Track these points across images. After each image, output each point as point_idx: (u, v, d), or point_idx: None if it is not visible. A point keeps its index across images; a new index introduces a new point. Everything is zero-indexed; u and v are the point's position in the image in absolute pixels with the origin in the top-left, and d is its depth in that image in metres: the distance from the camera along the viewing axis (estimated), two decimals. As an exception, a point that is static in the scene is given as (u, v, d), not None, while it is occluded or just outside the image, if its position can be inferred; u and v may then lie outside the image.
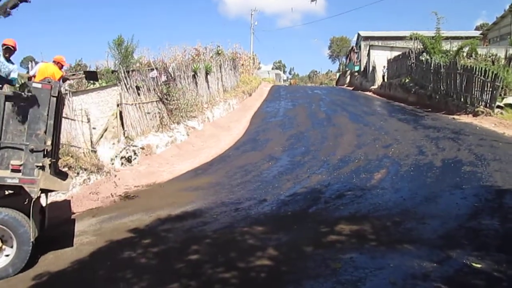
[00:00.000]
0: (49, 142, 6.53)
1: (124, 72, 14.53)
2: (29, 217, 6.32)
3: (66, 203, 10.31)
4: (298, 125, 18.61)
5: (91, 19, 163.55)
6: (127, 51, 20.10)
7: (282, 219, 7.57)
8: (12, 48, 7.80)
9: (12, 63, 7.90)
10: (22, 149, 6.38)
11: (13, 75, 7.74)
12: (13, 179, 6.30)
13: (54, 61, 9.06)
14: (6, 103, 6.36)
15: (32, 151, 6.38)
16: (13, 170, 6.32)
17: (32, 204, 6.30)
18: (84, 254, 6.92)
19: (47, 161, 6.54)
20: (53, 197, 10.27)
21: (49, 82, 6.72)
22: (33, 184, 6.35)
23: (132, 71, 16.79)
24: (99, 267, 6.18)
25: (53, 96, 6.61)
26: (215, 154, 14.73)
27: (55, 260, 6.81)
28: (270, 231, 6.90)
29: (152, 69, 17.71)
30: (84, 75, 16.71)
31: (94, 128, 13.92)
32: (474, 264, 4.92)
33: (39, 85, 6.57)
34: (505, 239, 5.77)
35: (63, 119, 11.41)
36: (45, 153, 6.51)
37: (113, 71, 18.80)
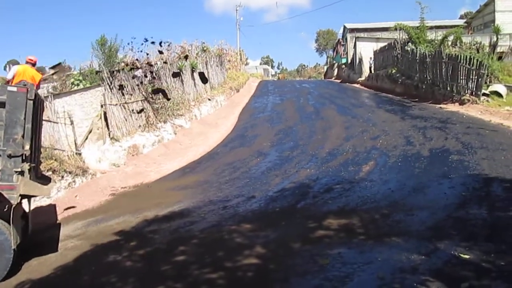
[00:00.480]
0: (27, 147, 6.35)
1: (107, 72, 14.30)
2: (9, 224, 6.15)
3: (51, 208, 10.10)
4: (287, 119, 18.52)
5: (74, 19, 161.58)
6: (110, 51, 19.79)
7: (270, 215, 7.48)
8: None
9: None
10: (-1, 155, 6.19)
11: None
12: (-9, 186, 6.12)
13: (27, 62, 8.87)
14: (-19, 108, 6.17)
15: (10, 156, 6.18)
16: (-10, 177, 6.14)
17: (12, 211, 6.12)
18: (68, 259, 6.76)
19: (26, 166, 6.34)
20: (38, 202, 10.06)
21: (25, 85, 6.52)
22: (12, 190, 6.16)
23: (117, 71, 16.56)
24: (84, 272, 6.03)
25: (30, 99, 6.41)
26: (203, 152, 14.58)
27: (38, 267, 6.64)
28: (258, 228, 6.80)
29: (137, 69, 17.48)
30: (53, 72, 16.32)
31: (80, 128, 13.73)
32: (462, 255, 4.86)
33: (15, 89, 6.36)
34: (493, 228, 5.73)
35: (45, 122, 11.25)
36: (24, 158, 6.32)
37: (97, 72, 18.49)
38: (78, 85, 19.44)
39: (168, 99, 16.53)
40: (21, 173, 6.27)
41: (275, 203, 8.21)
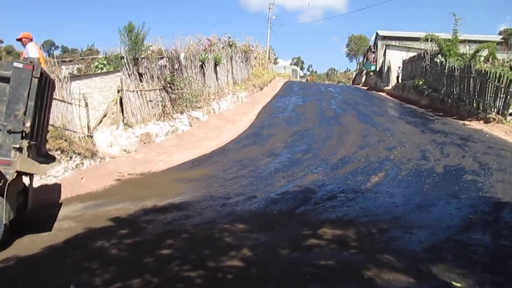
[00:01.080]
0: (28, 124, 6.31)
1: (127, 58, 14.33)
2: (3, 198, 6.15)
3: (57, 187, 10.16)
4: (305, 121, 18.24)
5: (106, 4, 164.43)
6: (137, 37, 19.81)
7: (267, 218, 7.27)
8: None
9: None
10: (-1, 130, 6.18)
11: None
12: (-12, 160, 6.13)
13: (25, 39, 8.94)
14: (-15, 82, 6.18)
15: (9, 132, 6.17)
16: (-12, 151, 6.15)
17: (7, 186, 6.11)
18: (59, 240, 6.73)
19: (25, 143, 6.32)
20: (44, 180, 10.14)
21: (31, 62, 6.48)
22: (8, 166, 6.15)
23: (142, 58, 16.64)
24: (69, 255, 5.97)
25: (35, 77, 6.38)
26: (216, 146, 14.47)
27: (29, 245, 6.62)
28: (251, 230, 6.61)
29: (162, 57, 17.53)
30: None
31: (97, 111, 13.83)
32: (454, 283, 4.52)
33: (21, 65, 6.34)
34: (494, 257, 5.34)
35: (59, 102, 11.35)
36: (24, 135, 6.30)
37: (121, 57, 18.66)
38: (102, 68, 19.65)
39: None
40: (20, 149, 6.24)
41: (274, 205, 7.99)
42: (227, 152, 13.58)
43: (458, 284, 4.49)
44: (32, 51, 9.12)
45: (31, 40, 9.07)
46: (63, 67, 20.02)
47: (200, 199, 8.72)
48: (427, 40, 24.93)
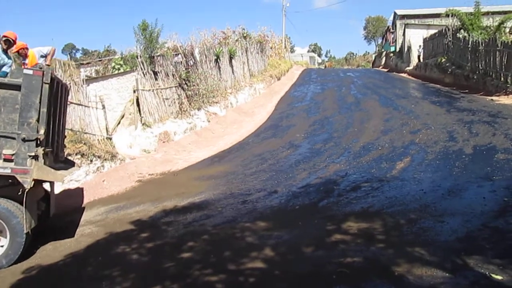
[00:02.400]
0: (42, 131, 6.26)
1: (140, 56, 14.26)
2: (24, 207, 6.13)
3: (79, 191, 10.21)
4: (324, 110, 17.84)
5: (121, 3, 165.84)
6: (151, 35, 19.75)
7: (289, 213, 7.05)
8: (12, 41, 7.58)
9: (9, 57, 7.68)
10: (14, 138, 6.14)
11: (5, 69, 7.49)
12: (5, 169, 6.11)
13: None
14: (-3, 90, 6.13)
15: (24, 140, 6.14)
16: (5, 160, 6.12)
17: (25, 195, 6.08)
18: (81, 246, 6.72)
19: (40, 151, 6.28)
20: (66, 185, 10.21)
21: (41, 68, 6.40)
22: (25, 174, 6.12)
23: (157, 56, 16.57)
24: (90, 262, 5.92)
25: (46, 83, 6.31)
26: (235, 141, 14.30)
27: (51, 252, 6.63)
28: (273, 227, 6.40)
29: (177, 54, 17.42)
30: None
31: (115, 112, 13.83)
32: (493, 276, 4.20)
33: (30, 72, 6.27)
34: (536, 244, 4.98)
35: (76, 106, 11.36)
36: (38, 142, 6.26)
37: (137, 57, 18.67)
38: (118, 69, 19.74)
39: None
40: (35, 157, 6.21)
41: (296, 199, 7.75)
42: (246, 147, 13.39)
43: (498, 277, 4.16)
44: (42, 49, 8.73)
45: (26, 48, 8.04)
46: (82, 69, 20.19)
47: (221, 197, 8.57)
48: (448, 16, 23.98)
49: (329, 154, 10.98)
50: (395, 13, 43.38)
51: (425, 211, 6.38)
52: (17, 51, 7.95)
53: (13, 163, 6.12)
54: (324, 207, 7.18)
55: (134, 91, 13.76)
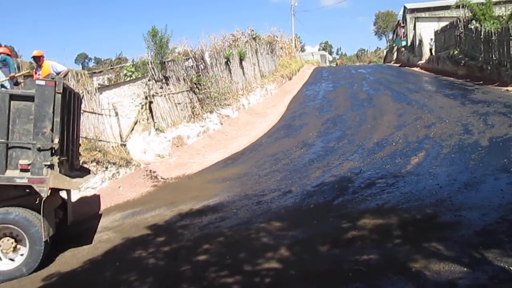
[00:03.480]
0: (56, 140, 6.36)
1: (151, 62, 14.38)
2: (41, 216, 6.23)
3: (96, 198, 10.35)
4: (337, 107, 17.72)
5: (131, 11, 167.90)
6: (161, 41, 19.89)
7: (304, 213, 7.01)
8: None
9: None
10: (29, 148, 6.26)
11: None
12: (22, 179, 6.24)
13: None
14: (12, 102, 6.25)
15: (39, 149, 6.25)
16: (22, 170, 6.25)
17: (42, 203, 6.17)
18: (99, 252, 6.80)
19: (55, 160, 6.38)
20: (83, 192, 10.36)
21: (53, 78, 6.52)
22: (42, 183, 6.24)
23: (168, 61, 16.69)
24: (108, 268, 5.99)
25: (58, 93, 6.41)
26: (248, 142, 14.30)
27: (70, 259, 6.73)
28: (288, 227, 6.39)
29: (188, 59, 17.51)
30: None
31: (128, 119, 13.96)
32: (513, 269, 4.13)
33: (43, 82, 6.39)
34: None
35: (90, 114, 11.51)
36: (53, 151, 6.35)
37: (148, 63, 18.82)
38: (130, 76, 19.87)
39: None
40: (51, 166, 6.31)
41: (311, 199, 7.72)
42: (259, 148, 13.38)
43: None
44: (57, 66, 9.04)
45: (42, 57, 8.86)
46: (94, 78, 20.43)
47: (235, 198, 8.59)
48: (459, 7, 23.63)
49: (342, 152, 10.91)
50: (405, 7, 42.95)
51: (441, 206, 6.29)
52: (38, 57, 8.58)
53: (29, 173, 6.24)
54: (339, 205, 7.13)
55: (146, 97, 13.88)
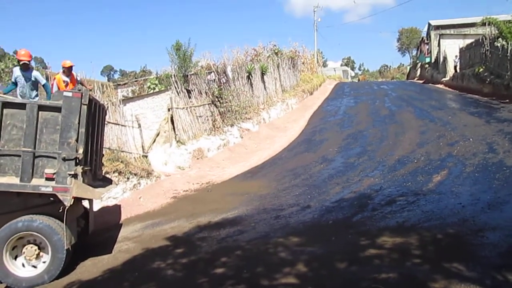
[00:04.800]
0: (81, 150, 6.51)
1: (175, 76, 14.64)
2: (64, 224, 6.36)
3: (117, 208, 10.49)
4: (358, 123, 17.64)
5: (157, 26, 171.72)
6: (185, 55, 20.25)
7: (322, 229, 6.98)
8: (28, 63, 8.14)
9: (28, 78, 8.20)
10: (55, 158, 6.42)
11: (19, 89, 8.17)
12: (47, 188, 6.37)
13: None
14: (40, 112, 6.45)
15: (64, 159, 6.40)
16: (47, 179, 6.39)
17: (65, 212, 6.30)
18: (118, 262, 6.87)
19: (79, 169, 6.52)
20: (105, 202, 10.53)
21: (79, 90, 6.70)
22: (66, 192, 6.37)
23: (191, 74, 16.98)
24: (127, 278, 6.05)
25: (84, 104, 6.58)
26: (268, 156, 14.34)
27: (91, 268, 6.82)
28: (306, 242, 6.36)
29: (210, 72, 17.77)
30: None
31: (151, 131, 14.19)
32: (537, 293, 4.01)
33: (70, 94, 6.57)
34: None
35: (113, 125, 11.75)
36: (77, 161, 6.50)
37: (171, 76, 19.17)
38: (154, 88, 20.31)
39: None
40: (75, 176, 6.45)
41: (329, 214, 7.68)
42: (279, 162, 13.40)
43: None
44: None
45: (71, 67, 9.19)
46: (119, 90, 20.93)
47: (254, 212, 8.60)
48: (485, 25, 23.36)
49: (363, 168, 10.83)
50: (429, 24, 42.69)
51: (463, 226, 6.17)
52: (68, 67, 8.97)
53: (54, 182, 6.38)
54: (358, 221, 7.07)
55: (169, 110, 14.11)
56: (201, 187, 11.71)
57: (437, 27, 39.43)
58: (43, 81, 8.47)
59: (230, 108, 16.35)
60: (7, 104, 6.35)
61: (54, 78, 9.34)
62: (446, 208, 7.04)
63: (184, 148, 13.76)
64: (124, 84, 23.30)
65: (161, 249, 7.20)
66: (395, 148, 12.46)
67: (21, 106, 6.39)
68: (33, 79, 8.19)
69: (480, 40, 24.07)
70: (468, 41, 28.34)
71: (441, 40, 34.30)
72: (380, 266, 5.08)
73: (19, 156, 6.30)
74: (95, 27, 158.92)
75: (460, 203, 7.14)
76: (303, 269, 5.31)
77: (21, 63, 7.97)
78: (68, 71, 9.05)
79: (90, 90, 10.02)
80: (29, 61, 8.06)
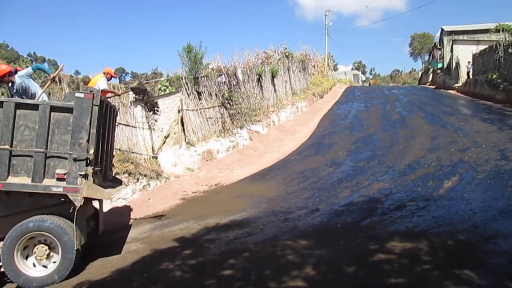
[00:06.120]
0: (91, 151, 6.55)
1: (185, 78, 14.71)
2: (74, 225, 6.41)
3: (126, 209, 10.55)
4: (368, 127, 17.57)
5: (169, 31, 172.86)
6: (196, 57, 20.35)
7: (330, 232, 6.94)
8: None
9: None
10: (66, 158, 6.46)
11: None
12: (58, 188, 6.41)
13: (104, 73, 9.25)
14: (52, 113, 6.51)
15: (75, 160, 6.45)
16: (58, 179, 6.43)
17: (76, 212, 6.35)
18: (127, 263, 6.89)
19: (90, 170, 6.57)
20: (114, 203, 10.60)
21: (91, 91, 6.76)
22: (76, 193, 6.41)
23: (201, 77, 17.07)
24: (135, 279, 6.06)
25: (95, 105, 6.63)
26: (276, 159, 14.34)
27: (100, 268, 6.85)
28: (314, 246, 6.33)
29: (221, 74, 17.84)
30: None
31: (161, 132, 14.26)
32: (549, 301, 3.95)
33: (82, 95, 6.61)
34: None
35: (124, 126, 11.84)
36: (88, 162, 6.55)
37: (182, 78, 19.26)
38: (164, 90, 20.43)
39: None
40: (85, 176, 6.49)
41: (338, 218, 7.64)
42: (288, 165, 13.39)
43: None
44: (102, 83, 9.40)
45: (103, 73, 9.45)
46: (130, 92, 21.07)
47: (262, 214, 8.59)
48: (499, 31, 23.13)
49: (372, 172, 10.77)
50: (442, 29, 42.37)
51: (474, 232, 6.09)
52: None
53: (65, 182, 6.43)
54: (367, 226, 7.02)
55: (179, 111, 14.18)
56: (210, 189, 11.74)
57: (450, 33, 39.10)
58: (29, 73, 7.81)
59: (240, 110, 16.39)
60: (20, 105, 6.42)
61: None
62: (456, 214, 6.96)
63: (194, 149, 13.81)
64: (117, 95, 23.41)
65: (169, 250, 7.21)
66: (406, 153, 12.38)
67: (34, 107, 6.45)
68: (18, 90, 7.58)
69: (494, 47, 23.81)
70: (482, 47, 28.07)
71: (454, 45, 34.00)
72: (389, 271, 5.03)
73: (31, 156, 6.35)
74: (107, 31, 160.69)
75: (471, 210, 7.06)
76: (311, 273, 5.28)
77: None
78: (109, 78, 9.45)
79: (119, 95, 10.23)
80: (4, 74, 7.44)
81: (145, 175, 11.51)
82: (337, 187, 9.88)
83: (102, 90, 8.53)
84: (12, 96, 7.62)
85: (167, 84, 21.76)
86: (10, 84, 7.61)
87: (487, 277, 4.63)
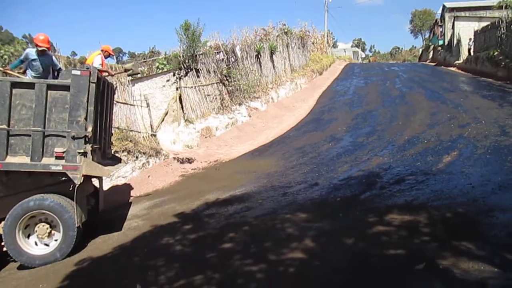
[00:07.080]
0: (90, 129, 6.52)
1: (183, 56, 14.56)
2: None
3: (126, 187, 10.60)
4: (368, 103, 17.49)
5: (166, 10, 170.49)
6: (193, 35, 20.04)
7: (330, 205, 6.99)
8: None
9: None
10: (64, 136, 6.44)
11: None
12: (57, 166, 6.41)
13: (102, 50, 9.12)
14: (49, 91, 6.45)
15: (73, 138, 6.42)
16: (57, 157, 6.42)
17: (76, 190, 6.37)
18: (128, 239, 6.96)
19: (88, 148, 6.55)
20: (115, 181, 10.65)
21: (88, 68, 6.69)
22: (75, 171, 6.41)
23: (200, 54, 16.90)
24: (136, 254, 6.13)
25: (92, 83, 6.57)
26: (275, 135, 14.34)
27: (101, 245, 6.91)
28: (313, 219, 6.38)
29: (219, 52, 17.66)
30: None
31: (159, 110, 14.20)
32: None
33: (78, 72, 6.54)
34: None
35: (122, 104, 11.78)
36: (86, 139, 6.53)
37: (180, 56, 19.06)
38: (162, 69, 20.16)
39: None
40: (84, 154, 6.48)
41: (337, 192, 7.68)
42: (287, 140, 13.39)
43: None
44: (97, 62, 9.29)
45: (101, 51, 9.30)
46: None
47: (261, 189, 8.64)
48: (501, 8, 22.73)
49: (371, 148, 10.77)
50: (444, 6, 41.67)
51: (473, 205, 6.10)
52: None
53: (64, 160, 6.42)
54: (366, 199, 7.06)
55: (177, 89, 14.09)
56: (209, 165, 11.78)
57: (452, 9, 38.46)
58: (58, 65, 8.11)
59: (238, 87, 16.30)
60: (16, 84, 6.35)
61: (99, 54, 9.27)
62: (455, 188, 6.98)
63: (193, 127, 13.79)
64: (111, 75, 23.22)
65: (169, 226, 7.28)
66: (405, 128, 12.36)
67: (30, 85, 6.37)
68: (54, 63, 7.90)
69: (496, 23, 23.47)
70: (484, 24, 27.63)
71: (455, 22, 33.51)
72: (388, 243, 5.08)
73: (29, 135, 6.31)
74: (104, 10, 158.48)
75: (470, 184, 7.07)
76: (310, 245, 5.34)
77: (40, 49, 7.41)
78: (107, 55, 9.26)
79: (113, 75, 10.14)
80: (48, 48, 7.63)
81: (144, 153, 11.52)
82: (336, 162, 9.90)
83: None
84: (46, 68, 7.70)
85: (165, 62, 21.49)
86: (44, 57, 7.57)
87: (486, 248, 4.65)
